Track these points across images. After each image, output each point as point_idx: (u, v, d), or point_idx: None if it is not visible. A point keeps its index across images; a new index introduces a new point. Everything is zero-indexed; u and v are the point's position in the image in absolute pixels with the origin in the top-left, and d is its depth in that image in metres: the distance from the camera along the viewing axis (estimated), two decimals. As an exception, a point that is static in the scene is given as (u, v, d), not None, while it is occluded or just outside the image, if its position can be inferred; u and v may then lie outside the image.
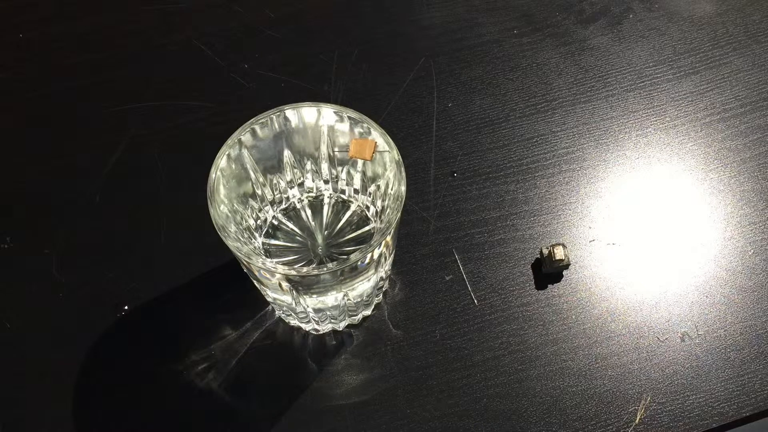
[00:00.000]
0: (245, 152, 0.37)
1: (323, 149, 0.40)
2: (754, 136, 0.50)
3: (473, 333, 0.44)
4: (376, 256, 0.36)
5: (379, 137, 0.36)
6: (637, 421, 0.41)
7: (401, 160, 0.35)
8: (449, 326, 0.44)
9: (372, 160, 0.37)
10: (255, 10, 0.55)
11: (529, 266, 0.46)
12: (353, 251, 0.33)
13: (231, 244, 0.34)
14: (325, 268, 0.33)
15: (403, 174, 0.35)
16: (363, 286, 0.39)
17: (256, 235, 0.41)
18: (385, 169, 0.37)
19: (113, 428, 0.41)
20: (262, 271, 0.35)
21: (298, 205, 0.43)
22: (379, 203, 0.40)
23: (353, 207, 0.42)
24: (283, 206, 0.43)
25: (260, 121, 0.37)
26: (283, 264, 0.40)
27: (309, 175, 0.42)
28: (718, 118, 0.51)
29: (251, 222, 0.40)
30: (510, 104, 0.51)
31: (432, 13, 0.55)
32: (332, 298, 0.38)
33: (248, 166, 0.38)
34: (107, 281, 0.45)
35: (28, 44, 0.53)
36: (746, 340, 0.44)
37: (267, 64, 0.52)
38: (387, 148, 0.36)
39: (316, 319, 0.41)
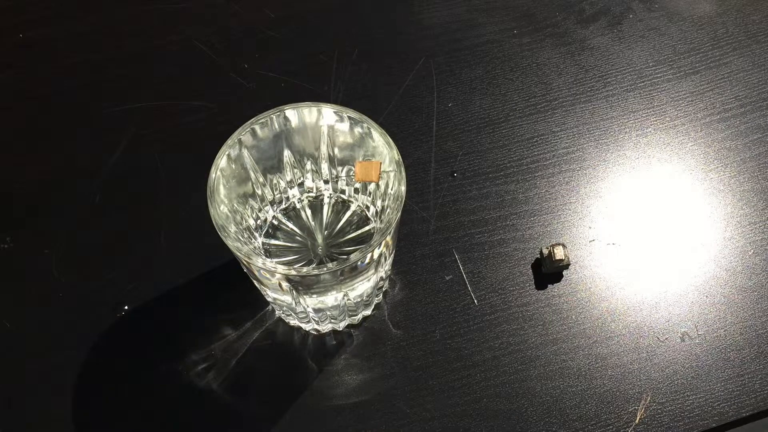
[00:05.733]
0: (245, 152, 0.37)
1: (323, 149, 0.40)
2: (754, 136, 0.50)
3: (473, 333, 0.44)
4: (376, 256, 0.36)
5: (379, 137, 0.36)
6: (637, 421, 0.41)
7: (401, 160, 0.35)
8: (449, 326, 0.44)
9: (379, 181, 0.37)
10: (255, 10, 0.55)
11: (529, 266, 0.46)
12: (353, 251, 0.33)
13: (231, 244, 0.34)
14: (325, 268, 0.33)
15: (403, 174, 0.35)
16: (363, 286, 0.39)
17: (256, 235, 0.41)
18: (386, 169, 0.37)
19: (113, 428, 0.41)
20: (262, 271, 0.35)
21: (298, 205, 0.43)
22: (379, 203, 0.40)
23: (353, 207, 0.42)
24: (283, 206, 0.43)
25: (260, 121, 0.37)
26: (283, 264, 0.40)
27: (309, 175, 0.42)
28: (718, 118, 0.51)
29: (251, 222, 0.40)
30: (510, 104, 0.51)
31: (432, 13, 0.55)
32: (332, 298, 0.38)
33: (248, 166, 0.38)
34: (107, 281, 0.45)
35: (28, 44, 0.53)
36: (746, 340, 0.44)
37: (267, 64, 0.52)
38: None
39: (316, 319, 0.41)
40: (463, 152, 0.49)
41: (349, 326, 0.44)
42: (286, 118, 0.38)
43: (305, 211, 0.43)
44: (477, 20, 0.55)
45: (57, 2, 0.55)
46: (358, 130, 0.37)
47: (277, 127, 0.38)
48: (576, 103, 0.51)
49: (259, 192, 0.40)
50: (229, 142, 0.36)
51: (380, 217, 0.40)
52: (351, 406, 0.42)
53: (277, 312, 0.43)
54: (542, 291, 0.45)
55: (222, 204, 0.36)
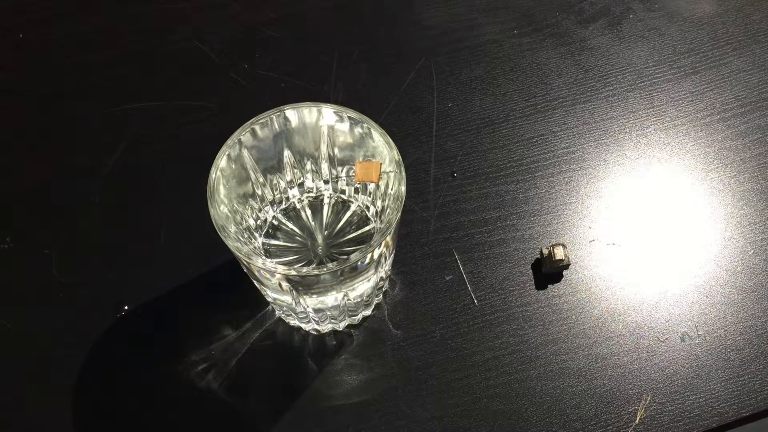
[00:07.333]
0: (245, 152, 0.37)
1: (323, 149, 0.40)
2: (754, 136, 0.50)
3: (473, 333, 0.44)
4: (376, 256, 0.36)
5: (379, 137, 0.36)
6: (637, 421, 0.41)
7: (401, 160, 0.35)
8: (449, 326, 0.44)
9: (379, 181, 0.37)
10: (255, 10, 0.55)
11: (529, 266, 0.46)
12: (353, 251, 0.33)
13: (231, 244, 0.34)
14: (325, 268, 0.33)
15: (403, 174, 0.35)
16: (363, 286, 0.39)
17: (256, 235, 0.41)
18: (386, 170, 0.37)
19: (113, 428, 0.41)
20: (262, 271, 0.35)
21: (298, 205, 0.43)
22: (379, 203, 0.40)
23: (353, 207, 0.42)
24: (283, 206, 0.43)
25: (260, 121, 0.37)
26: (283, 264, 0.40)
27: (309, 175, 0.42)
28: (718, 118, 0.51)
29: (251, 222, 0.40)
30: (510, 104, 0.51)
31: (432, 13, 0.55)
32: (332, 298, 0.38)
33: (248, 166, 0.38)
34: (107, 281, 0.45)
35: (28, 44, 0.53)
36: (746, 340, 0.44)
37: (267, 64, 0.52)
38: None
39: (316, 319, 0.41)
40: (463, 152, 0.49)
41: (349, 326, 0.44)
42: (286, 118, 0.38)
43: (305, 212, 0.43)
44: (477, 20, 0.55)
45: (57, 2, 0.55)
46: (358, 130, 0.37)
47: (277, 127, 0.38)
48: (576, 103, 0.51)
49: (259, 192, 0.40)
50: (229, 142, 0.36)
51: (380, 217, 0.40)
52: (351, 406, 0.42)
53: (277, 312, 0.43)
54: (542, 291, 0.45)
55: (222, 204, 0.36)
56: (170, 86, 0.51)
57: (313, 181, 0.42)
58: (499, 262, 0.46)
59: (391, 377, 0.42)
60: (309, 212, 0.43)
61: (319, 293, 0.38)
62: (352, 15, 0.55)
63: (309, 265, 0.40)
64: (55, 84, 0.52)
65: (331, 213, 0.42)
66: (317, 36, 0.54)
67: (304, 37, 0.54)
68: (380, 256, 0.36)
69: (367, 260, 0.35)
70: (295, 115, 0.38)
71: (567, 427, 0.41)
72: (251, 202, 0.40)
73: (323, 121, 0.38)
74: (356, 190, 0.42)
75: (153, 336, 0.43)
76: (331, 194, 0.43)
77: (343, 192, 0.42)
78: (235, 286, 0.44)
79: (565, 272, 0.45)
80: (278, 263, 0.38)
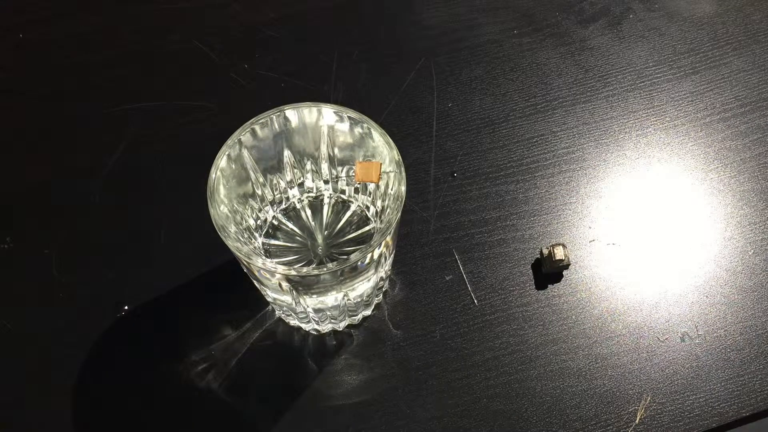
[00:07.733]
0: (245, 152, 0.37)
1: (323, 149, 0.40)
2: (754, 136, 0.50)
3: (473, 333, 0.44)
4: (376, 256, 0.36)
5: (379, 137, 0.36)
6: (637, 421, 0.41)
7: (401, 160, 0.35)
8: (449, 326, 0.44)
9: (379, 181, 0.37)
10: (255, 10, 0.55)
11: (529, 266, 0.46)
12: (353, 251, 0.33)
13: (231, 244, 0.34)
14: (325, 268, 0.33)
15: (403, 174, 0.35)
16: (363, 286, 0.39)
17: (256, 235, 0.41)
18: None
19: (113, 428, 0.41)
20: (262, 271, 0.35)
21: (298, 205, 0.43)
22: (379, 203, 0.40)
23: (353, 207, 0.42)
24: (283, 206, 0.43)
25: (260, 121, 0.37)
26: (283, 264, 0.40)
27: (309, 175, 0.42)
28: (718, 118, 0.51)
29: (251, 222, 0.40)
30: (510, 104, 0.51)
31: (432, 13, 0.55)
32: (332, 298, 0.38)
33: (248, 166, 0.38)
34: (107, 281, 0.45)
35: (28, 44, 0.53)
36: (746, 340, 0.44)
37: (267, 64, 0.52)
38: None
39: (316, 319, 0.41)
40: (463, 152, 0.49)
41: (349, 326, 0.44)
42: (286, 118, 0.38)
43: (305, 211, 0.43)
44: (477, 20, 0.55)
45: (57, 2, 0.55)
46: (358, 130, 0.37)
47: (277, 127, 0.38)
48: (576, 103, 0.51)
49: (259, 192, 0.40)
50: (229, 142, 0.36)
51: (380, 217, 0.40)
52: (351, 406, 0.42)
53: (277, 312, 0.43)
54: (542, 291, 0.45)
55: (222, 204, 0.36)
56: (170, 86, 0.51)
57: (313, 181, 0.42)
58: (499, 262, 0.46)
59: (391, 377, 0.42)
60: (309, 212, 0.43)
61: (319, 293, 0.38)
62: (352, 15, 0.55)
63: (309, 265, 0.40)
64: (55, 84, 0.52)
65: (331, 213, 0.42)
66: (317, 36, 0.54)
67: (304, 37, 0.54)
68: (380, 256, 0.36)
69: (367, 260, 0.35)
70: (295, 115, 0.38)
71: (567, 427, 0.41)
72: (251, 202, 0.40)
73: (323, 121, 0.38)
74: (356, 190, 0.42)
75: (153, 336, 0.43)
76: (331, 194, 0.43)
77: (343, 192, 0.42)
78: (235, 286, 0.44)
79: (565, 272, 0.45)
80: (278, 263, 0.38)
